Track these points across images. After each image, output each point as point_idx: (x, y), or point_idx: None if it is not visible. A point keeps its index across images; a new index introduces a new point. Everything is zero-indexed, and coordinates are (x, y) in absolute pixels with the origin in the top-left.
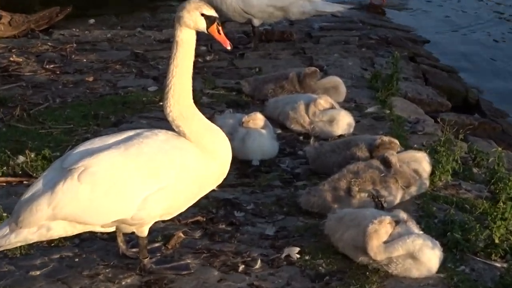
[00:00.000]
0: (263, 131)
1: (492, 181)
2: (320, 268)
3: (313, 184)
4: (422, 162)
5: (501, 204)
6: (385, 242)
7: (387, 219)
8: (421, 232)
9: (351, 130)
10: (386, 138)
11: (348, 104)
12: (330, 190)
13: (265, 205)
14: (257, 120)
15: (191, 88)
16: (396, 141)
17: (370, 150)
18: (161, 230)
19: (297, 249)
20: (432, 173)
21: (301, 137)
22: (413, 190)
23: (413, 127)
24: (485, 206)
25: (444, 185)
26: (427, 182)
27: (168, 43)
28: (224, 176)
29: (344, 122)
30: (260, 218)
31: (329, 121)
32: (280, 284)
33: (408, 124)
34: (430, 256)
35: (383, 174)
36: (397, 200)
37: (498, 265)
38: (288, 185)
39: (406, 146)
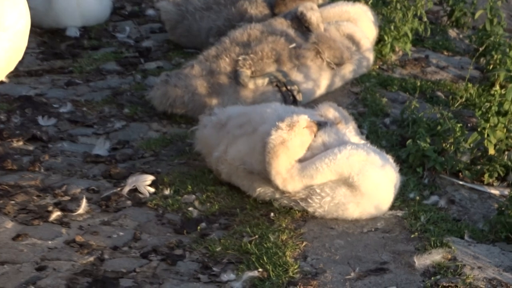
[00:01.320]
0: None
1: (481, 49)
2: (191, 209)
3: (174, 66)
4: (361, 20)
5: (498, 88)
6: (300, 161)
7: (302, 120)
8: (363, 141)
9: None
10: None
11: None
12: (203, 76)
13: (93, 105)
14: None
15: None
16: None
17: (271, 4)
18: None
19: (150, 178)
20: (380, 40)
21: None
22: (348, 70)
23: None
24: (471, 92)
25: (401, 61)
26: (371, 56)
27: None
28: (19, 57)
29: None
30: (86, 128)
31: None
32: (122, 239)
33: None
34: (377, 181)
35: (294, 45)
36: (321, 89)
37: (495, 191)
38: (130, 70)
39: None
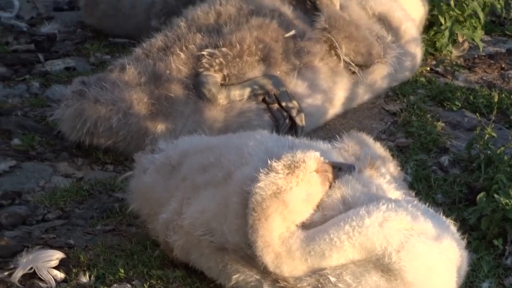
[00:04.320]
0: None
1: None
2: None
3: (93, 68)
4: None
5: None
6: (304, 227)
7: (311, 160)
8: (406, 195)
9: None
10: None
11: None
12: (142, 85)
13: None
14: None
15: None
16: None
17: None
18: None
19: (57, 255)
20: (432, 25)
21: None
22: (380, 75)
23: None
24: None
25: (467, 59)
26: (418, 52)
27: None
28: None
29: None
30: None
31: None
32: None
33: None
34: (430, 263)
35: (292, 33)
36: (336, 107)
37: None
38: (21, 73)
39: None
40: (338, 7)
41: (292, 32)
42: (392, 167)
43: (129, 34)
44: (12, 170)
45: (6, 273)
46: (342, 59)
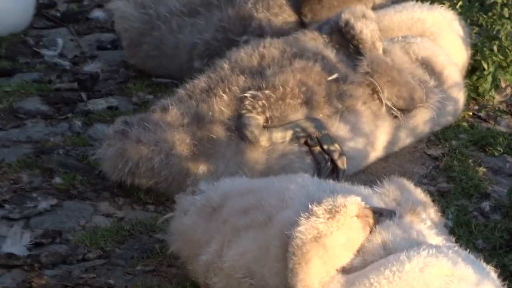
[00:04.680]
0: None
1: None
2: None
3: (136, 107)
4: (444, 35)
5: None
6: (344, 272)
7: (352, 204)
8: (447, 241)
9: None
10: None
11: None
12: (185, 126)
13: (2, 169)
14: None
15: None
16: None
17: (296, 3)
18: None
19: None
20: (475, 70)
21: None
22: (422, 119)
23: None
24: None
25: (510, 104)
26: (461, 96)
27: None
28: None
29: None
30: None
31: None
32: None
33: None
34: None
35: (335, 76)
36: (377, 151)
37: None
38: (64, 111)
39: None
40: (381, 51)
41: (335, 76)
42: (432, 212)
43: (172, 74)
44: (53, 208)
45: None
46: (384, 103)
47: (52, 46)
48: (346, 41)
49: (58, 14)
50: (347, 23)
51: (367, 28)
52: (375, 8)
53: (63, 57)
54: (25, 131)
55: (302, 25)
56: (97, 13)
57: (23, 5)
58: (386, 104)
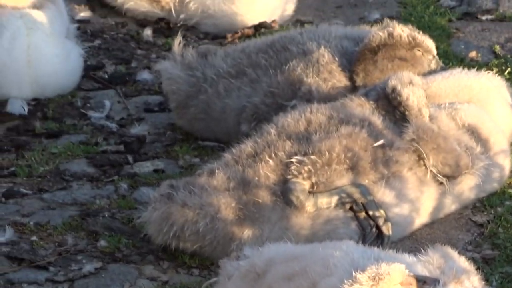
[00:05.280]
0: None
1: None
2: None
3: (182, 171)
4: (492, 102)
5: None
6: None
7: (396, 272)
8: None
9: (288, 11)
10: (396, 32)
11: None
12: (231, 190)
13: (47, 231)
14: None
15: None
16: (427, 42)
17: (347, 67)
18: None
19: None
20: None
21: (146, 32)
22: (467, 186)
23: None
24: None
25: None
26: (508, 163)
27: None
28: None
29: None
30: (35, 270)
31: None
32: None
33: None
34: None
35: (381, 143)
36: (422, 217)
37: None
38: (110, 174)
39: (447, 56)
40: (427, 118)
41: (381, 142)
42: (476, 280)
43: (218, 137)
44: (98, 271)
45: None
46: (429, 170)
47: (99, 108)
48: (393, 107)
49: (106, 76)
50: (393, 89)
51: (414, 95)
52: (424, 74)
53: (110, 119)
54: (71, 193)
55: (350, 90)
56: (145, 75)
57: (71, 67)
58: (432, 171)
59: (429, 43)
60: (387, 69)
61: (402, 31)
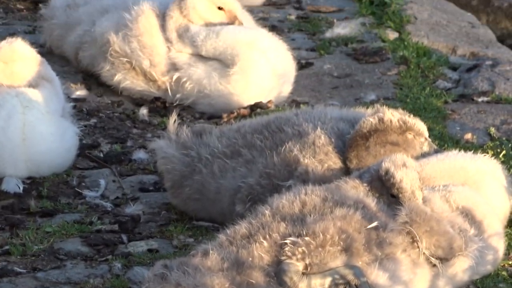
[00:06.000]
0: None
1: None
2: None
3: (176, 251)
4: (486, 185)
5: None
6: None
7: None
8: None
9: (284, 92)
10: (386, 118)
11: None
12: (225, 271)
13: None
14: None
15: None
16: (418, 125)
17: (342, 151)
18: None
19: None
20: None
21: (142, 111)
22: (461, 268)
23: (464, 81)
24: None
25: None
26: (501, 246)
27: None
28: None
29: (259, 68)
30: None
31: (220, 56)
32: None
33: (450, 72)
34: None
35: (375, 225)
36: None
37: None
38: (104, 254)
39: (442, 138)
40: (420, 200)
41: (375, 224)
42: None
43: (213, 217)
44: None
45: None
46: (422, 252)
47: (94, 187)
48: (386, 189)
49: (101, 155)
50: (387, 172)
51: (407, 177)
52: (418, 157)
53: (105, 198)
54: (65, 272)
55: (344, 172)
56: (140, 154)
57: (66, 146)
58: (424, 253)
59: (420, 126)
60: (379, 155)
61: (393, 115)
